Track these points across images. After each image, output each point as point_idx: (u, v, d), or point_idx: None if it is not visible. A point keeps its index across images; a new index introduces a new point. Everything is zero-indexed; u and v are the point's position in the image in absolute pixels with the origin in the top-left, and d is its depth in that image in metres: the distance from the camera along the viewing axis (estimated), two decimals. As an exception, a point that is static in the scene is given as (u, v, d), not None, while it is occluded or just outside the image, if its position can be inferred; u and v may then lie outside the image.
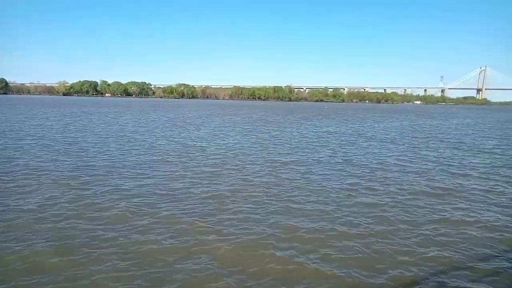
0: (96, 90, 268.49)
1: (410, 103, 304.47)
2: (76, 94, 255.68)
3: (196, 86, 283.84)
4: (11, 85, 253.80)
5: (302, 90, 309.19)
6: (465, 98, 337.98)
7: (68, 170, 14.82)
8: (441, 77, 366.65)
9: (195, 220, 9.60)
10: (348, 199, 12.03)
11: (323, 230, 9.23)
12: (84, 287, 6.41)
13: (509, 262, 7.80)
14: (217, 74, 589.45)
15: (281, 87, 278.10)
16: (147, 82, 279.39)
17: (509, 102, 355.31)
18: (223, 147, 23.19)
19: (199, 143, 24.70)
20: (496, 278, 7.11)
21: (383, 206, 11.25)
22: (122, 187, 12.58)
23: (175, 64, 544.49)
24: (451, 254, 8.04)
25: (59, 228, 8.77)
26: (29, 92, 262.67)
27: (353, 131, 37.99)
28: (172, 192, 12.08)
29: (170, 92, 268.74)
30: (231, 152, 21.19)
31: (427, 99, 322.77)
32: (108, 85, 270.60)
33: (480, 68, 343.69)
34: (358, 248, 8.22)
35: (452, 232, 9.31)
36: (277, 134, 32.31)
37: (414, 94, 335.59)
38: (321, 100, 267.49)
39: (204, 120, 48.24)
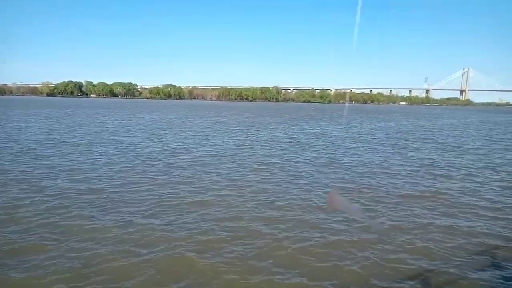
0: (81, 91, 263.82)
1: (396, 103, 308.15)
2: (60, 95, 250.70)
3: (183, 87, 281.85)
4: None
5: (289, 91, 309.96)
6: (448, 99, 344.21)
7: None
8: (426, 78, 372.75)
9: (160, 227, 9.25)
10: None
11: (305, 236, 8.99)
12: None
13: (497, 268, 7.64)
14: (204, 75, 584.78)
15: (269, 88, 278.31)
16: (133, 83, 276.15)
17: (491, 103, 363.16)
18: (209, 149, 22.84)
19: (183, 145, 24.27)
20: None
21: (368, 211, 11.03)
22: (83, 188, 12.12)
23: (162, 64, 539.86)
24: (433, 261, 7.83)
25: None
26: (11, 93, 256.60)
27: (343, 132, 37.96)
28: (149, 197, 11.70)
29: (157, 93, 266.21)
30: (216, 154, 20.82)
31: (412, 100, 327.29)
32: (93, 85, 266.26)
33: (463, 69, 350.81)
34: (340, 254, 8.05)
35: (438, 237, 9.11)
36: (263, 136, 32.09)
37: (400, 95, 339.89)
38: (308, 101, 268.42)
39: (187, 124, 47.61)
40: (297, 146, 25.42)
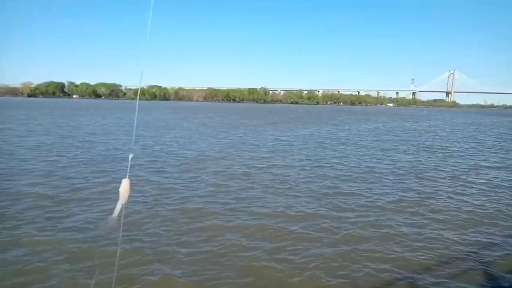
0: (63, 92, 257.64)
1: (383, 105, 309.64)
2: (42, 96, 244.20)
3: (168, 88, 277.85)
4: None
5: (277, 92, 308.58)
6: (435, 100, 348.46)
7: None
8: (412, 80, 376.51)
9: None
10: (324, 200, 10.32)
11: (289, 241, 8.49)
12: None
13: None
14: (190, 76, 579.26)
15: (256, 89, 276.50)
16: (117, 84, 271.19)
17: (476, 104, 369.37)
18: (195, 152, 20.19)
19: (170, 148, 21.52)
20: None
21: (354, 212, 9.60)
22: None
23: (147, 65, 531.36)
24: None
25: None
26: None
27: (331, 134, 35.80)
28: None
29: (142, 93, 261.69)
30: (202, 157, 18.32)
31: (399, 102, 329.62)
32: (76, 86, 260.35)
33: (449, 71, 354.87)
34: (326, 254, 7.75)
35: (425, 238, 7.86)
36: (250, 138, 29.53)
37: (387, 96, 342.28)
38: (296, 102, 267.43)
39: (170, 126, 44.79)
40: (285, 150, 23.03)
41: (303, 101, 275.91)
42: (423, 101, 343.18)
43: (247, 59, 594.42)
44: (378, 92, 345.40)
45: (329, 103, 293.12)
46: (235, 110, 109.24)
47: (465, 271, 7.17)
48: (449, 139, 35.79)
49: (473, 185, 14.74)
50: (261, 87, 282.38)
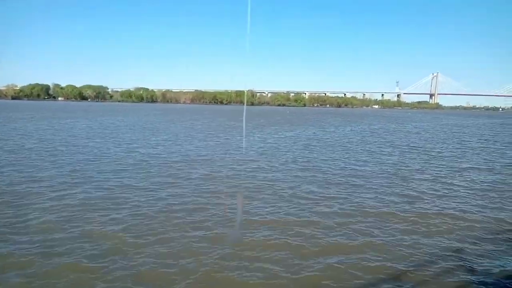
0: (48, 94, 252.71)
1: (369, 107, 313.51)
2: (26, 98, 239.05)
3: (156, 90, 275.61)
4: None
5: (264, 94, 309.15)
6: (419, 102, 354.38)
7: None
8: (397, 82, 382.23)
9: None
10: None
11: (272, 245, 8.62)
12: None
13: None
14: (177, 78, 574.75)
15: (243, 91, 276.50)
16: (104, 86, 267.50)
17: (458, 106, 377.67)
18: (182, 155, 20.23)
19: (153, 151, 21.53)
20: None
21: (338, 217, 9.33)
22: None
23: (134, 67, 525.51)
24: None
25: None
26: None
27: (322, 136, 36.22)
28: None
29: (129, 96, 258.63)
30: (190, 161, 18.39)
31: (384, 104, 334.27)
32: (61, 88, 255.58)
33: (433, 74, 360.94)
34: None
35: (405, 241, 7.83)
36: (236, 141, 29.70)
37: (373, 98, 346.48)
38: (283, 104, 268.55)
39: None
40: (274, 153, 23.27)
41: (290, 103, 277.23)
42: (407, 103, 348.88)
43: (235, 61, 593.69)
44: (364, 94, 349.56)
45: (316, 105, 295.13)
46: (223, 112, 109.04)
47: (448, 274, 7.33)
48: (432, 140, 36.67)
49: (457, 187, 15.09)
50: (249, 89, 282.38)
